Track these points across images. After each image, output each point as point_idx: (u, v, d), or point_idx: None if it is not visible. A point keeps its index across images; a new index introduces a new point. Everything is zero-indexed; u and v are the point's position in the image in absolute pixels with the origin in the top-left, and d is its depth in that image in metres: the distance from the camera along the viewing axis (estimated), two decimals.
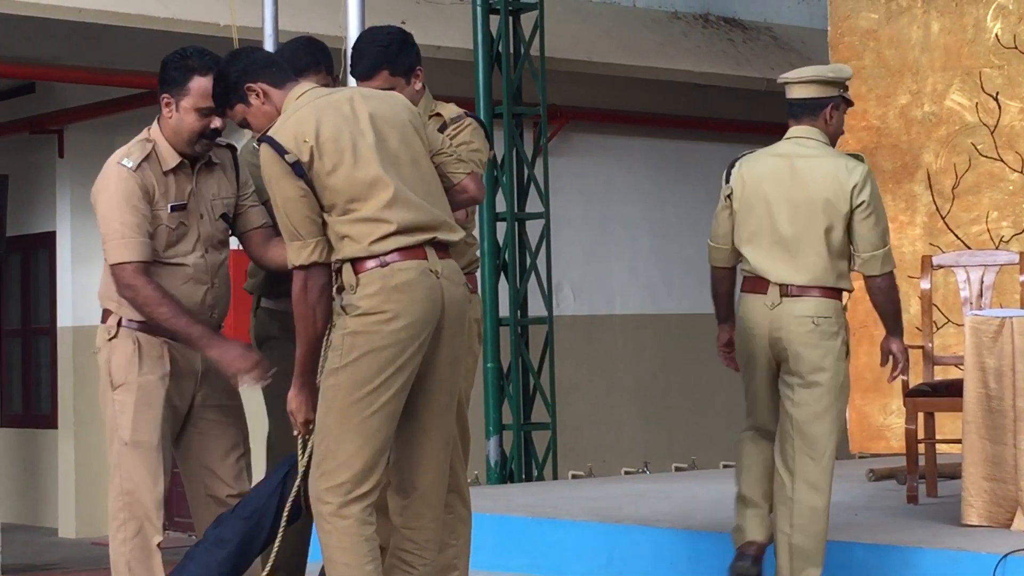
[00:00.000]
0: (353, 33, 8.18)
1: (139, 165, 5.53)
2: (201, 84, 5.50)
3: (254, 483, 5.61)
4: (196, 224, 5.61)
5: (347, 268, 5.07)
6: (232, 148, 5.78)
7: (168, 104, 5.56)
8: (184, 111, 5.53)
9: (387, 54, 5.72)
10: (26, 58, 11.76)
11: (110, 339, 5.61)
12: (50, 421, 13.30)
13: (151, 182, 5.53)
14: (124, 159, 5.55)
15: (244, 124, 5.34)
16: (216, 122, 5.52)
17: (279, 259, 5.55)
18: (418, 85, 5.74)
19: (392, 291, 5.00)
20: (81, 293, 12.54)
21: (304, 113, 5.11)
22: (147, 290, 5.47)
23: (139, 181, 5.51)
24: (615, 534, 7.52)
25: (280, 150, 5.05)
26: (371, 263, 5.03)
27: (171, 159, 5.57)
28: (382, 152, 5.11)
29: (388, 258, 5.03)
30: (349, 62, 5.83)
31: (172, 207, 5.54)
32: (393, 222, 5.05)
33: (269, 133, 5.10)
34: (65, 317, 12.88)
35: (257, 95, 5.24)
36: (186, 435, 5.70)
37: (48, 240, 13.54)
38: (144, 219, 5.50)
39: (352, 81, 5.80)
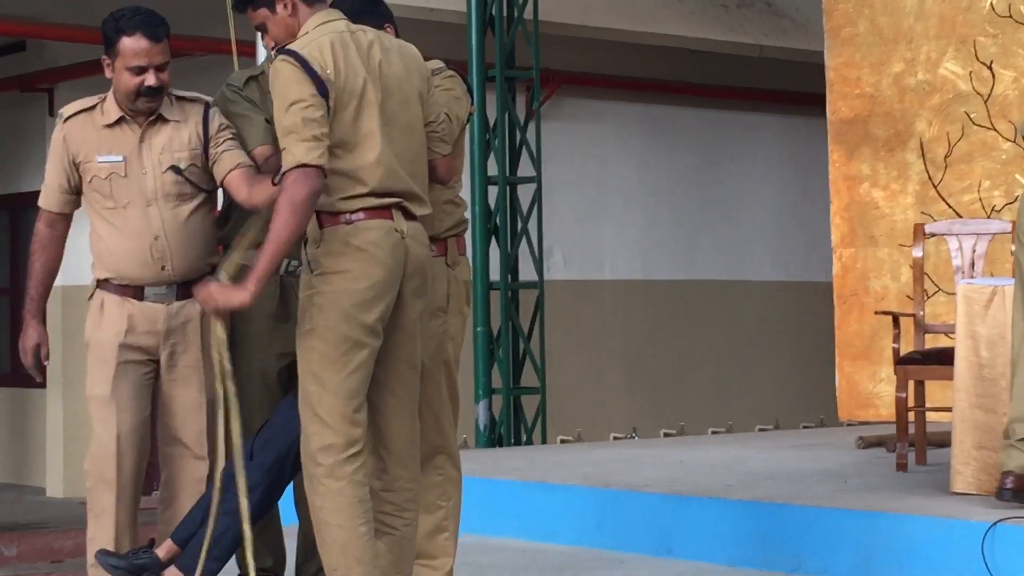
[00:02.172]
0: None
1: (73, 116, 5.73)
2: (128, 44, 5.61)
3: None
4: (137, 177, 5.67)
5: (312, 220, 5.01)
6: (205, 103, 5.80)
7: (108, 65, 5.69)
8: (119, 71, 5.65)
9: (349, 15, 5.70)
10: (17, 16, 11.71)
11: (88, 298, 5.77)
12: (39, 380, 13.26)
13: (82, 134, 5.70)
14: (63, 109, 5.78)
15: (261, 29, 5.25)
16: (150, 79, 5.61)
17: (265, 195, 5.54)
18: None
19: (356, 250, 4.97)
20: (70, 252, 12.47)
21: (325, 41, 5.03)
22: (35, 237, 5.81)
23: (63, 131, 5.72)
24: (605, 499, 7.52)
25: (308, 68, 4.94)
26: (337, 219, 4.99)
27: (112, 114, 5.71)
28: (382, 110, 5.08)
29: (354, 216, 4.99)
30: None
31: (99, 158, 5.66)
32: (368, 184, 5.01)
33: (294, 48, 5.01)
34: None
35: (285, 5, 5.17)
36: (159, 391, 5.78)
37: (37, 199, 13.47)
38: (59, 169, 5.74)
39: None
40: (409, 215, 5.11)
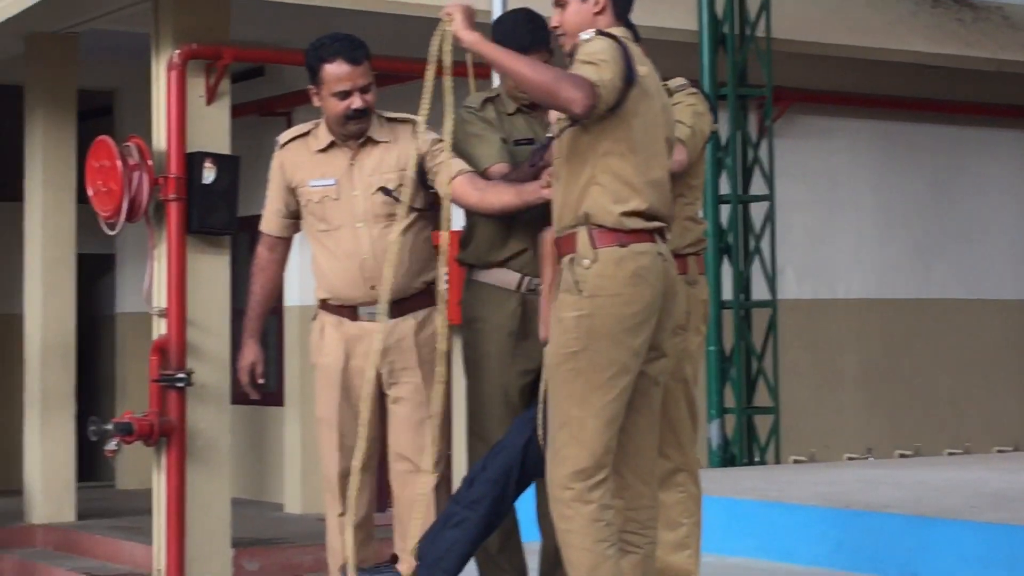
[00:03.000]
0: None
1: (289, 142, 5.92)
2: (330, 71, 5.73)
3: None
4: (348, 199, 5.79)
5: (584, 235, 4.96)
6: (414, 123, 5.88)
7: (315, 94, 5.84)
8: (325, 98, 5.78)
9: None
10: (256, 42, 11.96)
11: (312, 319, 5.96)
12: (277, 399, 13.52)
13: (298, 159, 5.87)
14: (280, 136, 5.99)
15: (560, 5, 5.17)
16: (356, 102, 5.72)
17: (501, 200, 5.57)
18: None
19: (630, 274, 4.94)
20: (308, 272, 12.63)
21: (637, 50, 5.04)
22: (255, 259, 6.05)
23: (280, 157, 5.92)
24: (845, 519, 7.42)
25: (626, 54, 4.92)
26: (610, 239, 4.95)
27: (323, 140, 5.86)
28: (663, 138, 5.11)
29: (627, 238, 4.96)
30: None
31: (312, 182, 5.81)
32: (646, 200, 4.98)
33: (617, 35, 5.01)
34: (292, 296, 13.08)
35: (597, 2, 5.10)
36: (385, 409, 5.87)
37: None
38: (277, 194, 5.95)
39: None
40: (664, 239, 5.11)
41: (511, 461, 5.51)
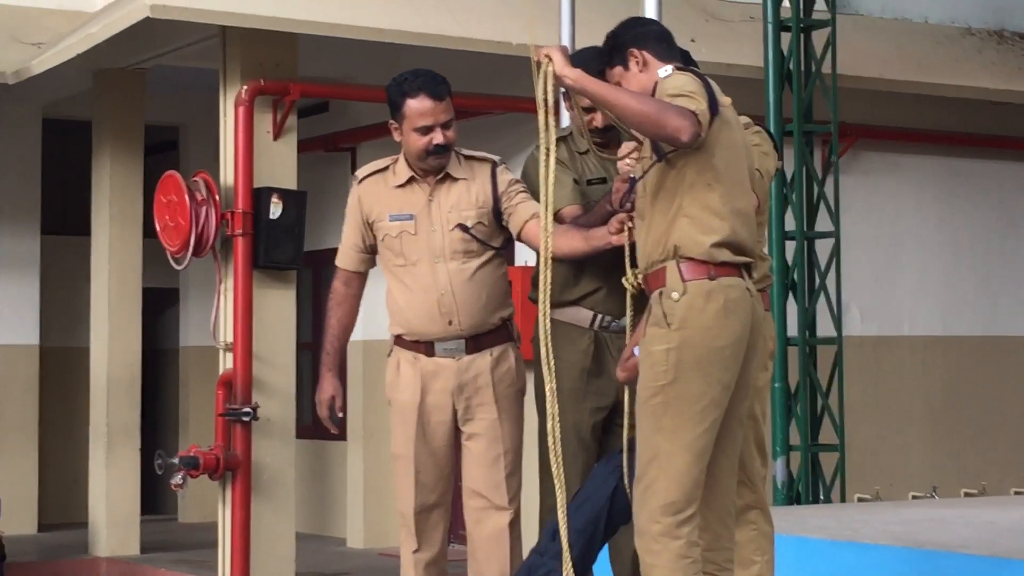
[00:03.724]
0: None
1: (366, 177, 5.95)
2: (413, 106, 5.77)
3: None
4: (426, 235, 5.80)
5: (673, 268, 4.95)
6: (493, 162, 5.89)
7: (395, 129, 5.89)
8: (406, 133, 5.83)
9: None
10: (321, 78, 12.01)
11: (388, 355, 5.97)
12: (340, 433, 13.50)
13: (375, 194, 5.90)
14: (358, 171, 6.01)
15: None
16: (438, 137, 5.73)
17: (570, 246, 5.56)
18: None
19: (720, 309, 4.93)
20: (371, 307, 12.61)
21: (715, 85, 5.06)
22: (331, 294, 6.07)
23: (358, 192, 5.94)
24: (919, 559, 7.35)
25: (708, 86, 4.95)
26: (700, 271, 4.94)
27: (402, 175, 5.89)
28: (746, 169, 5.10)
29: (717, 271, 4.96)
30: None
31: (391, 217, 5.82)
32: (734, 229, 4.98)
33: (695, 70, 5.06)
34: (355, 331, 13.10)
35: (637, 61, 5.18)
36: (461, 447, 5.87)
37: None
38: (354, 229, 5.96)
39: None
40: (751, 275, 5.09)
41: (599, 510, 5.49)
